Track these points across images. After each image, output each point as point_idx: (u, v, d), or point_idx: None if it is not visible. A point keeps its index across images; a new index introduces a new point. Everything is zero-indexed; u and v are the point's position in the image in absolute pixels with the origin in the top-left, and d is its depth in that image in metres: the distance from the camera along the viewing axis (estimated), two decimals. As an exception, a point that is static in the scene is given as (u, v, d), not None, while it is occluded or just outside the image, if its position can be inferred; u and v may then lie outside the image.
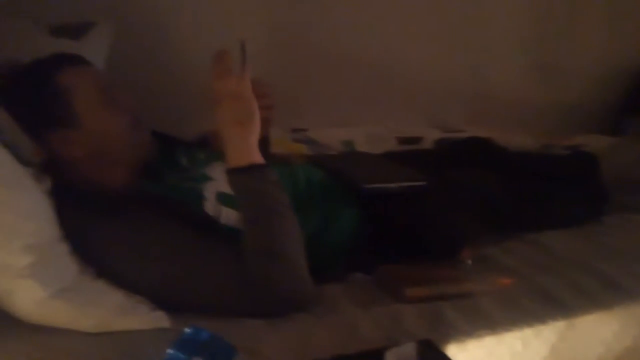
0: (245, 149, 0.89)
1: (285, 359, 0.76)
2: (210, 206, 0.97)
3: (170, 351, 0.60)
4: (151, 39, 1.40)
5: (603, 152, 1.42)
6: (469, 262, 1.04)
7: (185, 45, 1.44)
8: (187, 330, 0.62)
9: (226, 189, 0.93)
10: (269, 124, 1.09)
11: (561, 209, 1.22)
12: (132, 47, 1.28)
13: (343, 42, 1.60)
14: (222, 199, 0.97)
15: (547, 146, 1.67)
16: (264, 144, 1.16)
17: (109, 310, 0.83)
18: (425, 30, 1.66)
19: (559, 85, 1.84)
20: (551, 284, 0.99)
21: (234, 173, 0.89)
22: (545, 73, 1.82)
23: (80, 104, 0.95)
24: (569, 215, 1.23)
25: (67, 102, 0.95)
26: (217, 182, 0.99)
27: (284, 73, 1.46)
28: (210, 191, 0.98)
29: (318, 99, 1.62)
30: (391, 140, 1.64)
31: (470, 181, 1.20)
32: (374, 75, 1.65)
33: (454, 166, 1.27)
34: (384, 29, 1.61)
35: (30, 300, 0.81)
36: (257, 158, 0.89)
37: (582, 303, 0.95)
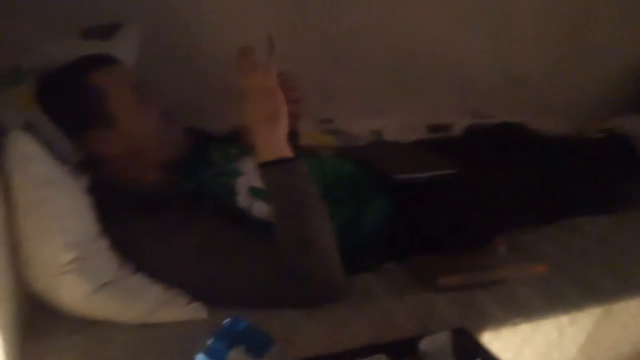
0: (274, 143, 0.89)
1: (321, 348, 0.77)
2: (243, 200, 0.98)
3: (210, 341, 0.61)
4: (176, 35, 1.41)
5: (638, 134, 1.39)
6: (502, 249, 1.03)
7: (211, 39, 1.45)
8: (226, 321, 0.64)
9: (258, 183, 0.95)
10: (297, 118, 1.09)
11: (597, 194, 1.19)
12: (156, 44, 1.29)
13: (371, 30, 1.58)
14: (254, 193, 0.99)
15: (581, 130, 1.63)
16: (293, 137, 1.17)
17: (149, 303, 0.86)
18: (455, 17, 1.63)
19: (593, 70, 1.79)
20: (587, 270, 0.98)
21: (264, 167, 0.90)
22: (578, 57, 1.78)
23: (114, 103, 0.97)
24: (605, 200, 1.21)
25: (101, 102, 0.97)
26: (249, 176, 1.01)
27: (311, 63, 1.46)
28: (242, 186, 1.00)
29: (346, 89, 1.61)
30: (421, 129, 1.62)
31: (502, 168, 1.18)
32: (403, 63, 1.63)
33: (486, 153, 1.26)
34: (413, 16, 1.59)
35: (76, 295, 0.84)
36: (287, 152, 0.90)
37: (620, 289, 0.93)
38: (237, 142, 1.16)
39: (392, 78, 1.63)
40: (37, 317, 0.88)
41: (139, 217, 0.91)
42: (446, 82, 1.68)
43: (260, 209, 0.98)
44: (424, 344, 0.66)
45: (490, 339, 0.84)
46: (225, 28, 1.44)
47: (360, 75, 1.61)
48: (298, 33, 1.49)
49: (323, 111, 1.59)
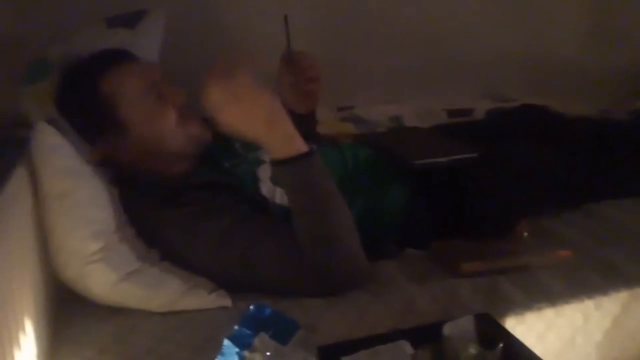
0: (284, 140, 0.85)
1: (343, 335, 0.78)
2: (266, 188, 0.99)
3: (236, 327, 0.62)
4: (196, 23, 1.42)
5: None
6: (526, 234, 1.02)
7: (227, 26, 1.45)
8: (251, 307, 0.64)
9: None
10: (315, 98, 1.08)
11: (621, 178, 1.17)
12: (172, 33, 1.29)
13: (390, 16, 1.57)
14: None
15: (606, 112, 1.60)
16: (310, 120, 1.17)
17: (174, 291, 0.88)
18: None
19: (620, 49, 1.75)
20: (613, 255, 0.96)
21: (278, 165, 0.86)
22: (605, 36, 1.73)
23: (125, 109, 0.95)
24: (630, 184, 1.18)
25: (111, 110, 0.95)
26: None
27: (330, 51, 1.45)
28: (264, 174, 1.00)
29: (365, 76, 1.60)
30: (441, 114, 1.61)
31: (524, 151, 1.17)
32: (424, 46, 1.61)
33: (507, 136, 1.24)
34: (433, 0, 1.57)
35: (103, 284, 0.86)
36: (299, 144, 0.85)
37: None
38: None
39: (411, 64, 1.62)
40: (66, 304, 0.90)
41: (163, 207, 0.92)
42: (466, 66, 1.65)
43: (283, 196, 0.98)
44: (447, 329, 0.66)
45: (513, 324, 0.84)
46: (242, 13, 1.44)
47: (380, 61, 1.60)
48: (316, 22, 1.48)
49: (342, 98, 1.59)
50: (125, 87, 0.96)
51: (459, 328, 0.67)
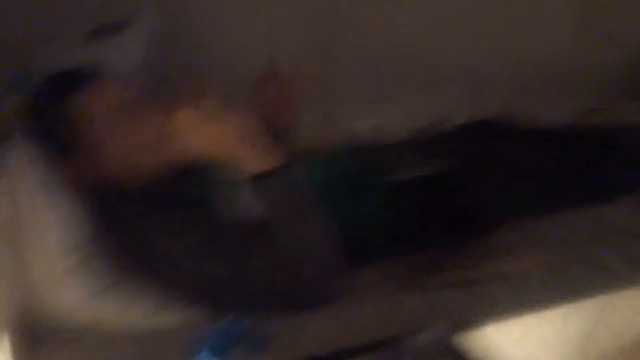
0: (258, 156, 0.85)
1: (323, 346, 0.77)
2: (244, 200, 0.98)
3: (210, 341, 0.62)
4: (180, 34, 1.41)
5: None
6: (505, 239, 1.03)
7: (214, 39, 1.45)
8: (225, 320, 0.64)
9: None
10: (291, 115, 1.09)
11: (607, 177, 1.18)
12: (159, 43, 1.28)
13: (369, 26, 1.58)
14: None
15: (593, 111, 1.61)
16: (288, 133, 1.17)
17: (148, 306, 0.86)
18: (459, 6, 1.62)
19: (608, 48, 1.76)
20: (592, 258, 0.97)
21: (252, 181, 0.86)
22: (593, 36, 1.75)
23: (95, 130, 0.93)
24: (610, 188, 1.19)
25: (80, 129, 0.93)
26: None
27: (309, 59, 1.46)
28: (243, 185, 0.99)
29: (345, 87, 1.61)
30: (423, 123, 1.61)
31: (506, 156, 1.17)
32: (405, 54, 1.62)
33: (489, 142, 1.25)
34: (412, 10, 1.58)
35: (74, 300, 0.85)
36: (273, 160, 0.85)
37: (628, 276, 0.93)
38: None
39: (391, 73, 1.62)
40: (40, 319, 0.88)
41: (139, 221, 0.91)
42: (449, 73, 1.66)
43: (262, 208, 0.97)
44: (422, 339, 0.66)
45: (494, 329, 0.84)
46: (225, 24, 1.43)
47: (359, 71, 1.60)
48: (297, 32, 1.49)
49: (321, 108, 1.59)
50: (96, 106, 0.94)
51: (434, 337, 0.67)
